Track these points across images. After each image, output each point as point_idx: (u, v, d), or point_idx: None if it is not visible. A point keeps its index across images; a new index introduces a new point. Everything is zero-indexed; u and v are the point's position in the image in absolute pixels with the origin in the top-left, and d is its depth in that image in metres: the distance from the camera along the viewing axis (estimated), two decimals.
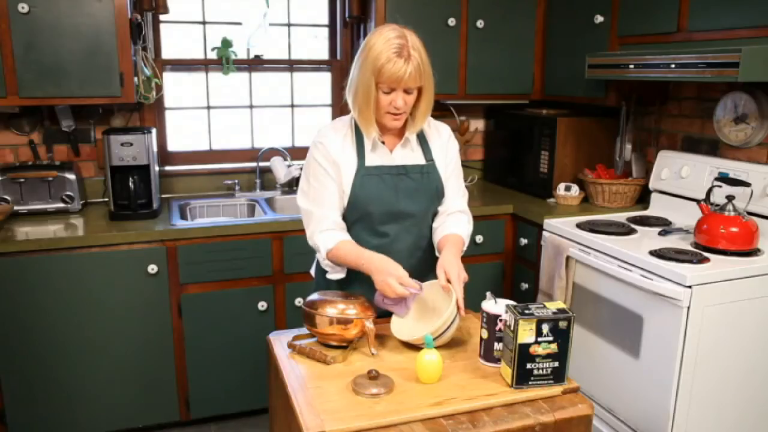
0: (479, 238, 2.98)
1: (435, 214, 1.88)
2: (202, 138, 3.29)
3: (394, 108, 1.67)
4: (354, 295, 1.65)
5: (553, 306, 1.44)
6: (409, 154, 1.80)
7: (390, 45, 1.61)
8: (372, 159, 1.77)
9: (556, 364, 1.43)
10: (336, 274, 1.80)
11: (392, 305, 1.65)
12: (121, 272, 2.50)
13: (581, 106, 3.24)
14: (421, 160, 1.81)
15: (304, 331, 1.69)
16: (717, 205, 2.33)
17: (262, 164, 3.23)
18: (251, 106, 3.35)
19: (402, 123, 1.73)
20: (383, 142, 1.79)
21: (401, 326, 1.65)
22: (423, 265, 1.85)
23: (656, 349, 2.15)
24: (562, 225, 2.63)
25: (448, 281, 1.62)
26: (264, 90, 3.36)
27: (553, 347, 1.41)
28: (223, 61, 3.14)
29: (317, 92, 3.46)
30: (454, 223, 1.84)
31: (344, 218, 1.80)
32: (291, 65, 3.37)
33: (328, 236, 1.74)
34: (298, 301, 2.75)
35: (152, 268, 2.53)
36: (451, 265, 1.65)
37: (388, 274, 1.60)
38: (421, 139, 1.83)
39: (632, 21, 2.68)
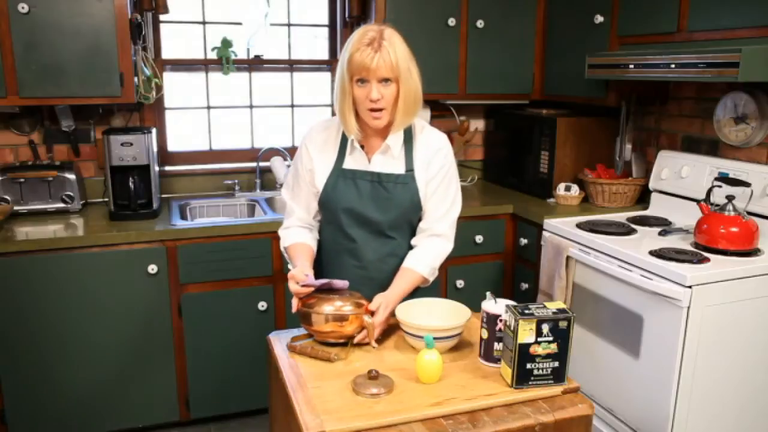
0: (479, 238, 2.98)
1: (414, 224, 1.83)
2: (202, 138, 3.29)
3: (370, 101, 1.64)
4: (349, 291, 1.65)
5: (553, 306, 1.44)
6: (388, 162, 1.76)
7: (362, 37, 1.63)
8: (349, 162, 1.77)
9: (556, 364, 1.42)
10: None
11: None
12: (121, 272, 2.50)
13: (581, 106, 3.24)
14: (399, 169, 1.76)
15: (303, 331, 1.69)
16: (717, 205, 2.33)
17: (262, 164, 3.23)
18: (251, 106, 3.35)
19: (383, 122, 1.69)
20: (362, 146, 1.77)
21: (408, 312, 1.63)
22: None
23: (656, 349, 2.15)
24: (562, 225, 2.63)
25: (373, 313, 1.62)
26: (264, 90, 3.36)
27: (553, 347, 1.41)
28: (223, 61, 3.14)
29: (317, 92, 3.46)
30: (422, 253, 1.79)
31: (321, 220, 1.86)
32: (291, 65, 3.37)
33: (287, 233, 1.85)
34: None
35: (152, 268, 2.53)
36: (387, 303, 1.65)
37: (289, 278, 1.63)
38: (407, 147, 1.77)
39: (632, 21, 2.68)
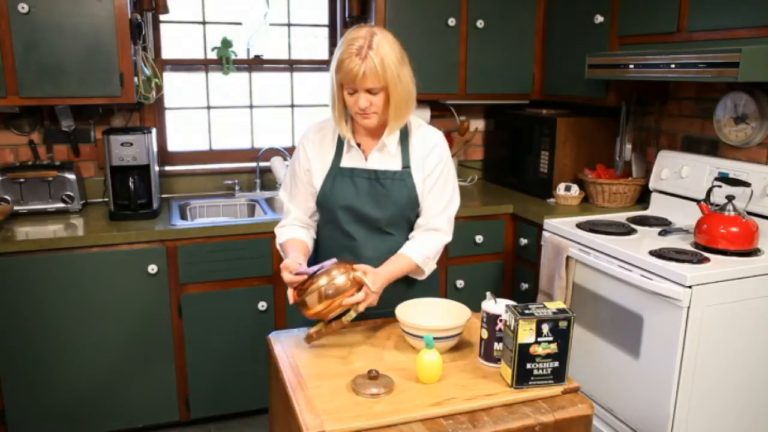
0: (479, 238, 2.98)
1: (412, 221, 1.83)
2: (202, 138, 3.29)
3: (358, 108, 1.66)
4: (330, 263, 1.63)
5: (553, 306, 1.44)
6: (385, 159, 1.77)
7: (351, 44, 1.61)
8: (347, 161, 1.78)
9: (556, 364, 1.43)
10: None
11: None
12: (121, 272, 2.50)
13: (581, 106, 3.24)
14: (396, 166, 1.77)
15: (304, 331, 1.69)
16: (717, 205, 2.33)
17: (262, 164, 3.23)
18: (251, 106, 3.35)
19: (373, 122, 1.70)
20: (359, 145, 1.78)
21: (408, 312, 1.64)
22: None
23: (656, 349, 2.15)
24: (562, 225, 2.63)
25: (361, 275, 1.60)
26: (264, 90, 3.36)
27: (553, 347, 1.41)
28: (223, 61, 3.14)
29: (317, 92, 3.46)
30: (417, 243, 1.78)
31: (319, 220, 1.85)
32: (291, 65, 3.37)
33: (283, 231, 1.84)
34: None
35: (152, 268, 2.53)
36: (376, 277, 1.63)
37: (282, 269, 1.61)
38: (403, 144, 1.78)
39: (632, 21, 2.68)
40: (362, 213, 1.76)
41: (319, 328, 1.61)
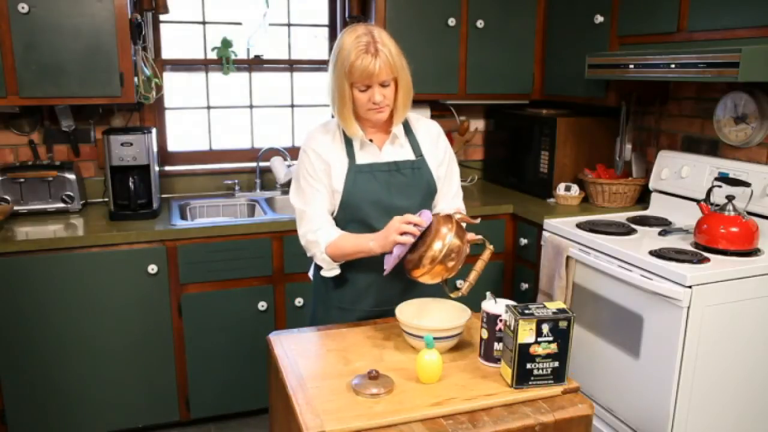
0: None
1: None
2: (202, 138, 3.29)
3: (373, 104, 1.68)
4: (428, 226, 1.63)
5: (553, 306, 1.44)
6: (398, 150, 1.81)
7: (357, 43, 1.64)
8: (362, 157, 1.78)
9: (556, 364, 1.43)
10: (331, 271, 1.79)
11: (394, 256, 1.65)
12: (121, 272, 2.50)
13: (581, 106, 3.24)
14: (410, 155, 1.81)
15: (305, 331, 1.68)
16: (717, 205, 2.33)
17: (262, 164, 3.23)
18: (251, 106, 3.35)
19: (386, 115, 1.73)
20: (371, 140, 1.79)
21: (408, 312, 1.64)
22: None
23: (656, 349, 2.15)
24: (562, 225, 2.63)
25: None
26: (264, 90, 3.36)
27: (553, 347, 1.41)
28: (223, 61, 3.15)
29: (317, 92, 3.46)
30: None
31: (336, 219, 1.80)
32: (291, 65, 3.37)
33: (326, 231, 1.74)
34: (299, 301, 2.75)
35: (152, 268, 2.53)
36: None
37: (393, 227, 1.61)
38: (410, 135, 1.83)
39: (632, 21, 2.68)
40: (390, 205, 1.76)
41: (469, 283, 1.64)
